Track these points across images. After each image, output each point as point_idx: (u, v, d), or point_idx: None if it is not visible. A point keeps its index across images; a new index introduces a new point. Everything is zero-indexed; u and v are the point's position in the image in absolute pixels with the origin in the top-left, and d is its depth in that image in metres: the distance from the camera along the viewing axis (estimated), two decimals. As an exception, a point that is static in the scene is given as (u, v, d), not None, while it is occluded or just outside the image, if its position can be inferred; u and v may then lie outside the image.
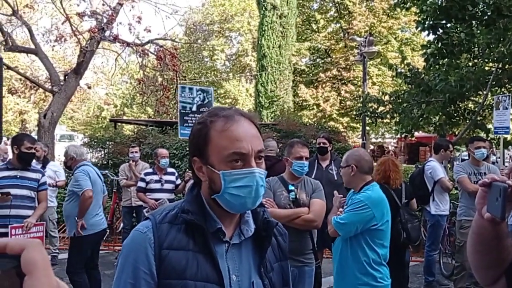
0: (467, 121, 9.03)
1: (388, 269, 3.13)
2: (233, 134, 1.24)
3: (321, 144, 5.71)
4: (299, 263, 3.40)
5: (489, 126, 9.38)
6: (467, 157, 10.63)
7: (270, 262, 1.37)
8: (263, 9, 18.27)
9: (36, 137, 10.85)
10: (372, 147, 22.30)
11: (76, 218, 4.82)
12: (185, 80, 16.82)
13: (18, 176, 4.59)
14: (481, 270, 1.32)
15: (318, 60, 24.38)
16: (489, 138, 8.01)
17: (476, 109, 8.92)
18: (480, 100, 8.77)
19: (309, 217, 3.40)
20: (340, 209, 3.20)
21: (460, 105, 9.21)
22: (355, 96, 17.81)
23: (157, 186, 6.30)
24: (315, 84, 23.01)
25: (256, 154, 1.26)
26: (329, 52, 24.08)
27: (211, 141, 1.26)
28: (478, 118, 8.94)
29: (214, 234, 1.28)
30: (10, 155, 5.35)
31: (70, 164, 5.00)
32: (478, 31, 7.64)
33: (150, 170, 6.58)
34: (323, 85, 22.61)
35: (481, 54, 8.22)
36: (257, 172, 1.25)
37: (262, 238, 1.35)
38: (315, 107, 22.01)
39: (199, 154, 1.29)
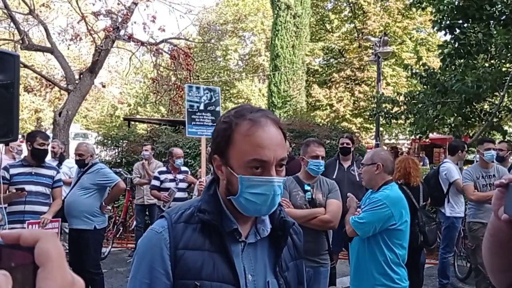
0: (483, 123, 8.90)
1: (407, 271, 3.09)
2: (257, 140, 1.21)
3: (345, 145, 5.69)
4: (315, 264, 3.37)
5: (505, 127, 9.23)
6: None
7: (285, 261, 1.35)
8: (277, 9, 18.23)
9: (51, 135, 10.99)
10: (385, 148, 22.14)
11: (97, 208, 5.00)
12: (198, 79, 16.87)
13: (33, 173, 4.64)
14: (497, 273, 1.28)
15: (331, 60, 24.24)
16: (506, 140, 7.89)
17: (492, 110, 8.78)
18: (497, 102, 8.64)
19: (326, 218, 3.37)
20: (358, 209, 3.17)
21: (476, 106, 9.08)
22: (369, 96, 17.67)
23: (172, 185, 6.34)
24: (329, 85, 22.89)
25: (278, 162, 1.23)
26: (343, 52, 23.95)
27: (234, 144, 1.23)
28: (494, 120, 8.80)
29: (230, 234, 1.27)
30: (24, 150, 5.44)
31: (89, 161, 5.05)
32: (496, 31, 7.52)
33: (164, 168, 6.62)
34: (337, 86, 22.48)
35: (498, 54, 8.09)
36: (276, 181, 1.23)
37: (278, 237, 1.33)
38: (328, 107, 21.90)
39: (220, 153, 1.27)
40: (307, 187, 3.47)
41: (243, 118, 1.24)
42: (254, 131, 1.21)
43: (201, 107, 4.85)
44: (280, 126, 1.28)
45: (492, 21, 7.93)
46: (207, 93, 4.87)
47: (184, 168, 6.69)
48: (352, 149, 5.80)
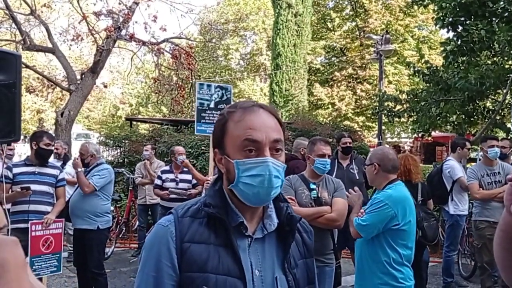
0: (486, 120, 8.86)
1: (412, 270, 3.06)
2: (247, 123, 1.25)
3: (347, 144, 5.71)
4: (320, 263, 3.33)
5: (508, 125, 9.19)
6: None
7: (294, 259, 1.35)
8: (278, 7, 18.20)
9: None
10: (388, 146, 22.06)
11: (101, 208, 4.97)
12: (199, 79, 16.85)
13: (36, 172, 4.64)
14: (509, 269, 1.26)
15: (333, 58, 24.24)
16: (509, 138, 7.86)
17: (495, 108, 8.75)
18: (500, 99, 8.61)
19: (332, 217, 3.35)
20: (361, 210, 3.14)
21: (479, 104, 9.04)
22: (371, 95, 17.61)
23: (172, 185, 6.30)
24: (330, 83, 22.88)
25: (272, 145, 1.25)
26: (345, 51, 23.93)
27: (228, 132, 1.27)
28: (497, 117, 8.76)
29: (236, 228, 1.27)
30: (22, 151, 5.39)
31: (89, 161, 5.04)
32: (498, 29, 7.48)
33: (167, 168, 6.59)
34: (339, 84, 22.46)
35: (501, 52, 8.05)
36: (271, 162, 1.24)
37: (285, 233, 1.33)
38: (330, 106, 21.88)
39: (218, 145, 1.31)
40: (312, 186, 3.45)
41: (235, 108, 1.30)
42: (244, 116, 1.26)
43: (211, 105, 4.82)
44: (274, 114, 1.31)
45: (495, 18, 7.89)
46: (219, 91, 4.85)
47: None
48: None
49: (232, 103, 1.42)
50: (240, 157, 1.24)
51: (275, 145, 1.25)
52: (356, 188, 3.30)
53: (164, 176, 6.36)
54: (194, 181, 6.53)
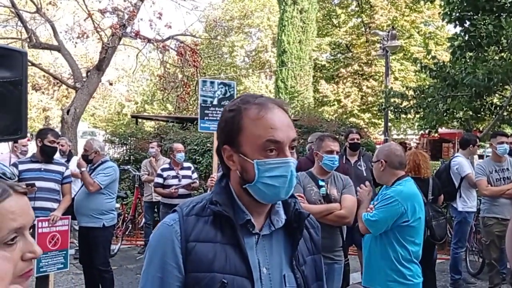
0: (494, 116, 8.78)
1: (420, 267, 3.04)
2: (268, 122, 1.20)
3: (355, 140, 5.69)
4: (329, 260, 3.33)
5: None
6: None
7: (302, 255, 1.32)
8: (283, 4, 18.16)
9: (60, 133, 11.01)
10: (394, 143, 21.93)
11: (106, 205, 4.98)
12: (204, 76, 16.83)
13: (42, 169, 4.65)
14: None
15: (339, 55, 24.13)
16: (517, 133, 7.78)
17: (503, 103, 8.66)
18: (507, 95, 8.53)
19: (342, 213, 3.33)
20: (371, 206, 3.11)
21: (487, 100, 8.95)
22: (377, 91, 17.52)
23: (175, 181, 6.34)
24: (336, 80, 22.80)
25: (290, 144, 1.22)
26: (350, 47, 23.82)
27: (245, 129, 1.21)
28: (505, 113, 8.68)
29: (243, 226, 1.24)
30: (29, 148, 5.41)
31: (93, 157, 5.03)
32: (506, 23, 7.39)
33: (167, 165, 6.62)
34: (344, 81, 22.38)
35: (508, 47, 7.96)
36: (291, 162, 1.21)
37: (293, 229, 1.31)
38: (336, 103, 21.80)
39: (230, 142, 1.25)
40: (321, 183, 3.42)
41: (249, 103, 1.24)
42: (263, 114, 1.21)
43: (215, 102, 4.81)
44: (285, 109, 1.28)
45: (502, 13, 7.80)
46: (222, 87, 4.84)
47: (186, 164, 6.67)
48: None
49: (241, 96, 1.31)
50: (260, 157, 1.20)
51: (292, 143, 1.23)
52: (367, 183, 3.25)
53: (165, 174, 6.39)
54: (195, 176, 6.57)
